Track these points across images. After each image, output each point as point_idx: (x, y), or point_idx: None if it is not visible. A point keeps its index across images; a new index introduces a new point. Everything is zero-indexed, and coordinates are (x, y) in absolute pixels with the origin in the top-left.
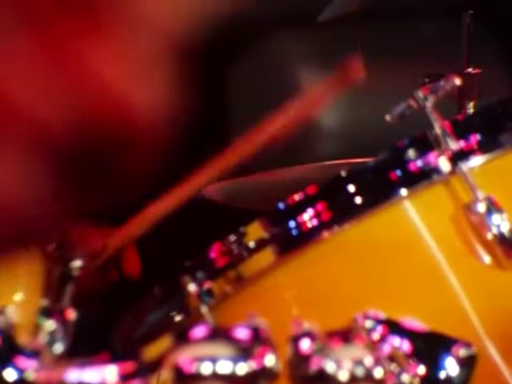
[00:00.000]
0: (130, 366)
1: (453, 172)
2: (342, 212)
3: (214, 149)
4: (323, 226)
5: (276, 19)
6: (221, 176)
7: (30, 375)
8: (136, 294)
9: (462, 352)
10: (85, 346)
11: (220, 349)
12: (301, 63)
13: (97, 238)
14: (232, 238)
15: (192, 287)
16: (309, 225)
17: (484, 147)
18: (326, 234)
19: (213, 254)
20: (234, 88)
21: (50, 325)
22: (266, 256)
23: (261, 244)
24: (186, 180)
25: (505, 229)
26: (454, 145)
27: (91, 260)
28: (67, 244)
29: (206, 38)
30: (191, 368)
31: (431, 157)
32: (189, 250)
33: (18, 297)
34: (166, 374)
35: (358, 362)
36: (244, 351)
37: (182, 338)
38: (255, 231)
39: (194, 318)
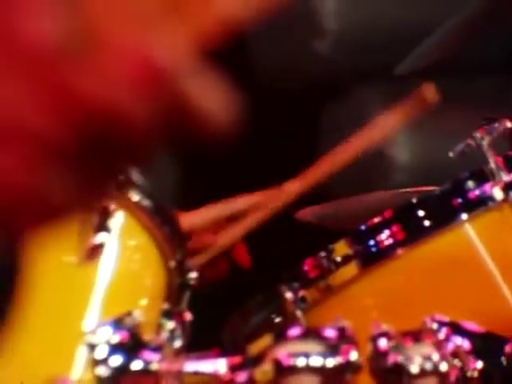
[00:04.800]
0: (237, 359)
1: (505, 200)
2: (413, 233)
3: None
4: (398, 244)
5: (362, 71)
6: (311, 188)
7: (154, 366)
8: (246, 286)
9: None
10: (200, 342)
11: (312, 346)
12: (382, 110)
13: (210, 236)
14: (322, 253)
15: (289, 295)
16: (386, 243)
17: None
18: (400, 251)
19: (306, 267)
20: (327, 128)
21: (170, 324)
22: (350, 269)
23: (346, 259)
24: (279, 190)
25: None
26: (506, 177)
27: (205, 255)
28: (186, 256)
29: (309, 84)
30: (288, 362)
31: (487, 187)
32: (287, 263)
33: (144, 302)
34: (267, 366)
35: (427, 358)
36: (332, 348)
37: (280, 336)
38: (341, 248)
39: (290, 320)
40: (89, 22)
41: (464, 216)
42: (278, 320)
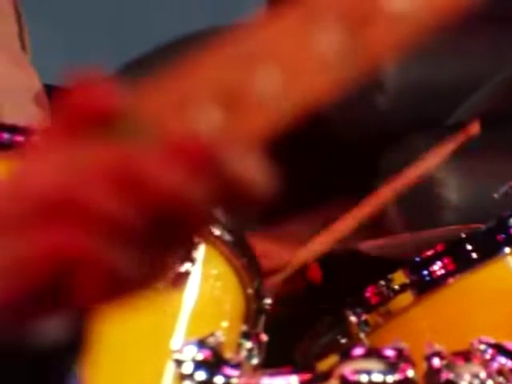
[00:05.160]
0: (307, 375)
1: None
2: (462, 264)
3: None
4: (449, 274)
5: (417, 122)
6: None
7: (234, 381)
8: (319, 301)
9: None
10: (274, 361)
11: (374, 364)
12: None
13: (285, 256)
14: (382, 282)
15: (353, 318)
16: (438, 273)
17: None
18: (450, 280)
19: (368, 294)
20: (385, 174)
21: (248, 344)
22: (407, 296)
23: (403, 287)
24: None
25: None
26: None
27: (279, 274)
28: (262, 284)
29: (370, 134)
30: (353, 378)
31: None
32: (350, 291)
33: (225, 324)
34: (334, 382)
35: (475, 376)
36: (391, 366)
37: (345, 355)
38: (399, 277)
39: (354, 341)
40: (152, 117)
41: (507, 250)
42: (343, 341)
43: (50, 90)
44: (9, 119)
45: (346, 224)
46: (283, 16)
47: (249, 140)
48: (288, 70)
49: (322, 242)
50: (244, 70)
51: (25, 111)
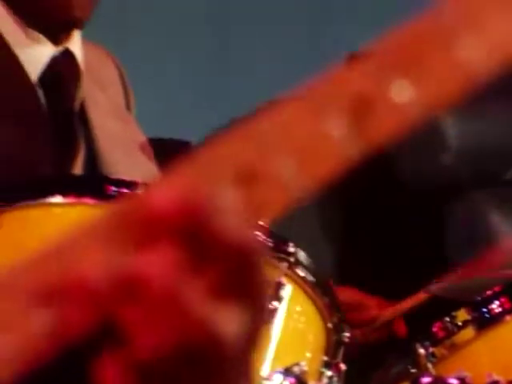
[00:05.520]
0: None
1: None
2: None
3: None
4: (506, 312)
5: (477, 177)
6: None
7: None
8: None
9: None
10: None
11: None
12: (494, 212)
13: (374, 310)
14: (447, 319)
15: (421, 351)
16: (496, 311)
17: None
18: (507, 317)
19: (435, 329)
20: (449, 225)
21: (329, 373)
22: (469, 331)
23: (465, 323)
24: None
25: None
26: None
27: (368, 325)
28: (342, 319)
29: (435, 188)
30: None
31: None
32: (420, 326)
33: (308, 354)
34: None
35: None
36: None
37: (415, 383)
38: (462, 315)
39: (422, 371)
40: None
41: None
42: (413, 370)
43: (153, 143)
44: (125, 175)
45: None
46: (293, 105)
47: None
48: (301, 156)
49: (409, 301)
50: (260, 156)
51: (137, 164)
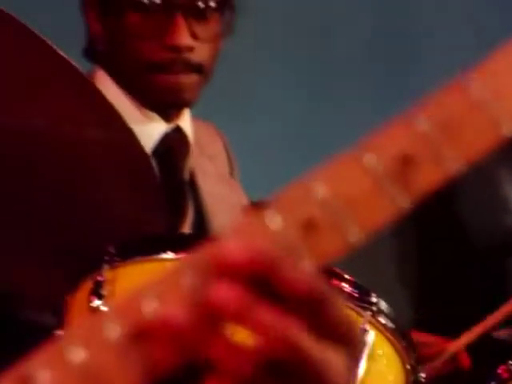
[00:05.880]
0: None
1: None
2: None
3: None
4: None
5: None
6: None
7: None
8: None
9: None
10: None
11: None
12: None
13: (438, 346)
14: (511, 362)
15: None
16: None
17: None
18: None
19: (500, 371)
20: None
21: None
22: None
23: None
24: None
25: None
26: None
27: (439, 360)
28: (418, 361)
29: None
30: None
31: None
32: (486, 368)
33: None
34: None
35: None
36: None
37: None
38: None
39: None
40: None
41: None
42: None
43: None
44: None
45: (493, 320)
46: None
47: None
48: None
49: (472, 335)
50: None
51: None
